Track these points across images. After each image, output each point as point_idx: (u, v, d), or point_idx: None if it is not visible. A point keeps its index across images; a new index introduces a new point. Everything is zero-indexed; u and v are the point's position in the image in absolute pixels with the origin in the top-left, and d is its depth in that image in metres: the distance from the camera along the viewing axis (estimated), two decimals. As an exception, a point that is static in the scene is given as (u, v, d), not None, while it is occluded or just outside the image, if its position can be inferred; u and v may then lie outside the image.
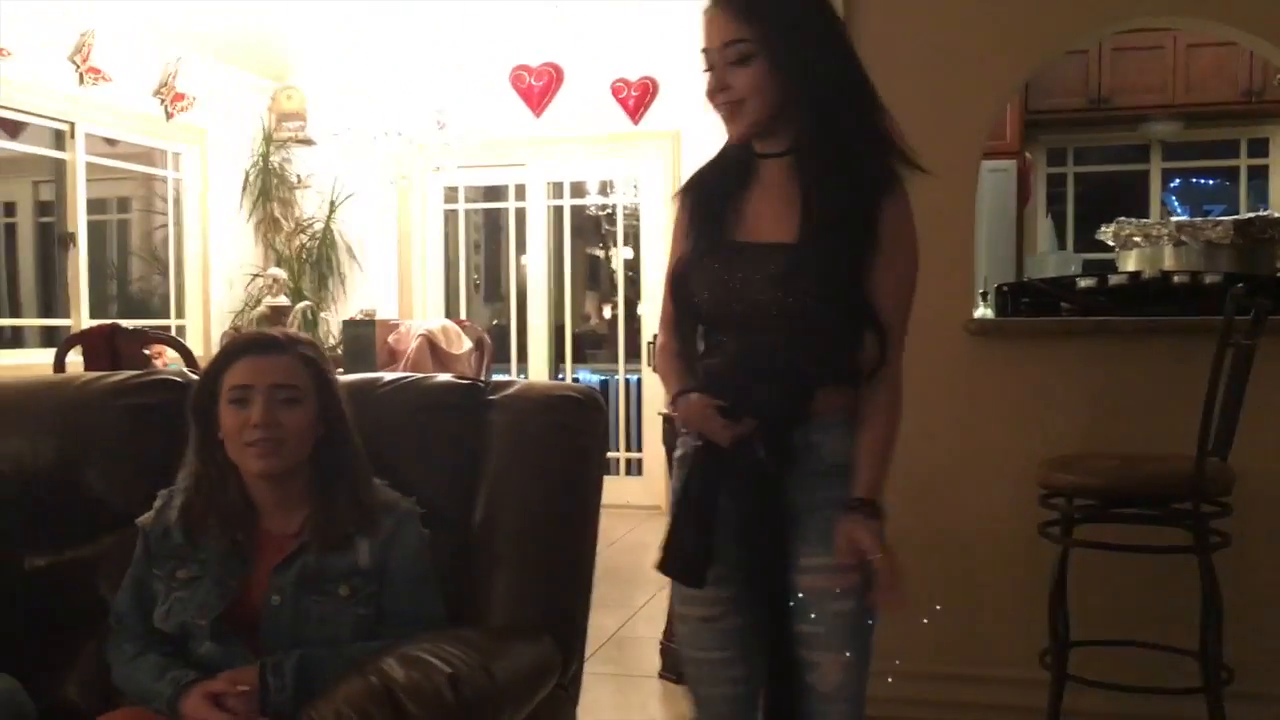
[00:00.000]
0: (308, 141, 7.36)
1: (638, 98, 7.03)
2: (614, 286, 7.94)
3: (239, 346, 1.98)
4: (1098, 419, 3.27)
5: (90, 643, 2.04)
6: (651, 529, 5.50)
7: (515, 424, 2.12)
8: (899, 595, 1.73)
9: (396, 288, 7.51)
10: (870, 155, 1.77)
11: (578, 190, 7.75)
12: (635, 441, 7.51)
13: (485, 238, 9.42)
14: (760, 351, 1.76)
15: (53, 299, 6.76)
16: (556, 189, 7.66)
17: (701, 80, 1.79)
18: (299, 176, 7.46)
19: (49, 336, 6.43)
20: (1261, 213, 4.32)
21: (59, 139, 6.14)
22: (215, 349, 3.63)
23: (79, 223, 6.13)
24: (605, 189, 7.69)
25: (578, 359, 7.96)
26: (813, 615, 1.79)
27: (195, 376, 2.10)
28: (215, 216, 7.11)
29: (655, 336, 2.00)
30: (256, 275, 7.19)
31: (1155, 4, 3.44)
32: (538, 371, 7.60)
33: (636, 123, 7.06)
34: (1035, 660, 3.04)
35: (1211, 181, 7.59)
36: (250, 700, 1.76)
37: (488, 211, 8.65)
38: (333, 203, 7.39)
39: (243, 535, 1.93)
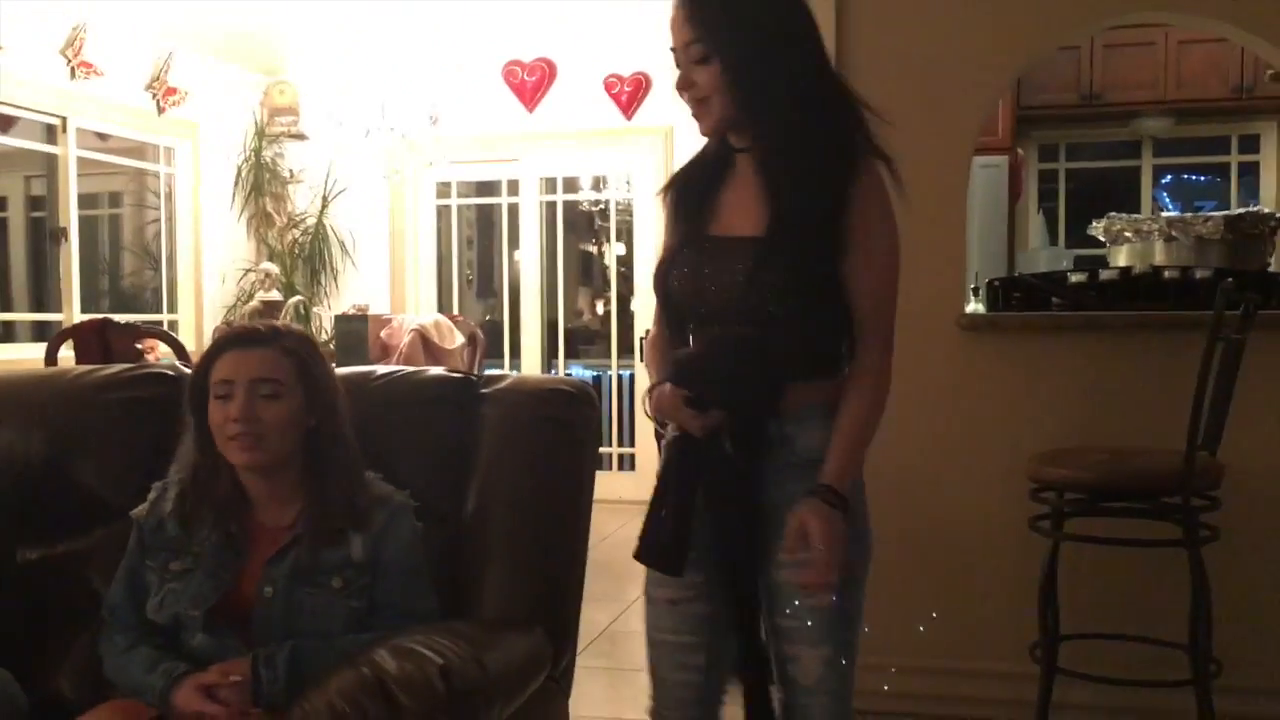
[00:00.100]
0: (300, 136, 7.34)
1: (630, 93, 7.03)
2: (607, 282, 7.94)
3: (223, 341, 1.98)
4: (1088, 413, 3.28)
5: (82, 635, 2.05)
6: (644, 524, 5.49)
7: (507, 417, 2.12)
8: (822, 585, 1.72)
9: (389, 283, 7.50)
10: (832, 149, 1.77)
11: (570, 186, 7.75)
12: (628, 437, 7.52)
13: (478, 233, 9.41)
14: (729, 343, 1.77)
15: (44, 294, 6.74)
16: (549, 184, 7.66)
17: None
18: (291, 171, 7.45)
19: (40, 331, 6.41)
20: (1252, 208, 4.33)
21: (50, 133, 6.13)
22: (207, 344, 3.63)
23: (70, 217, 6.12)
24: (598, 184, 7.69)
25: (571, 354, 7.96)
26: (789, 609, 1.80)
27: (187, 371, 2.10)
28: (207, 211, 7.09)
29: (648, 331, 2.01)
30: (249, 270, 7.18)
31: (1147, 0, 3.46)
32: (530, 367, 7.60)
33: (629, 118, 7.06)
34: (1025, 653, 3.05)
35: (1203, 178, 7.61)
36: (242, 692, 1.77)
37: (480, 207, 8.65)
38: (325, 198, 7.38)
39: (236, 527, 1.94)
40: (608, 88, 7.06)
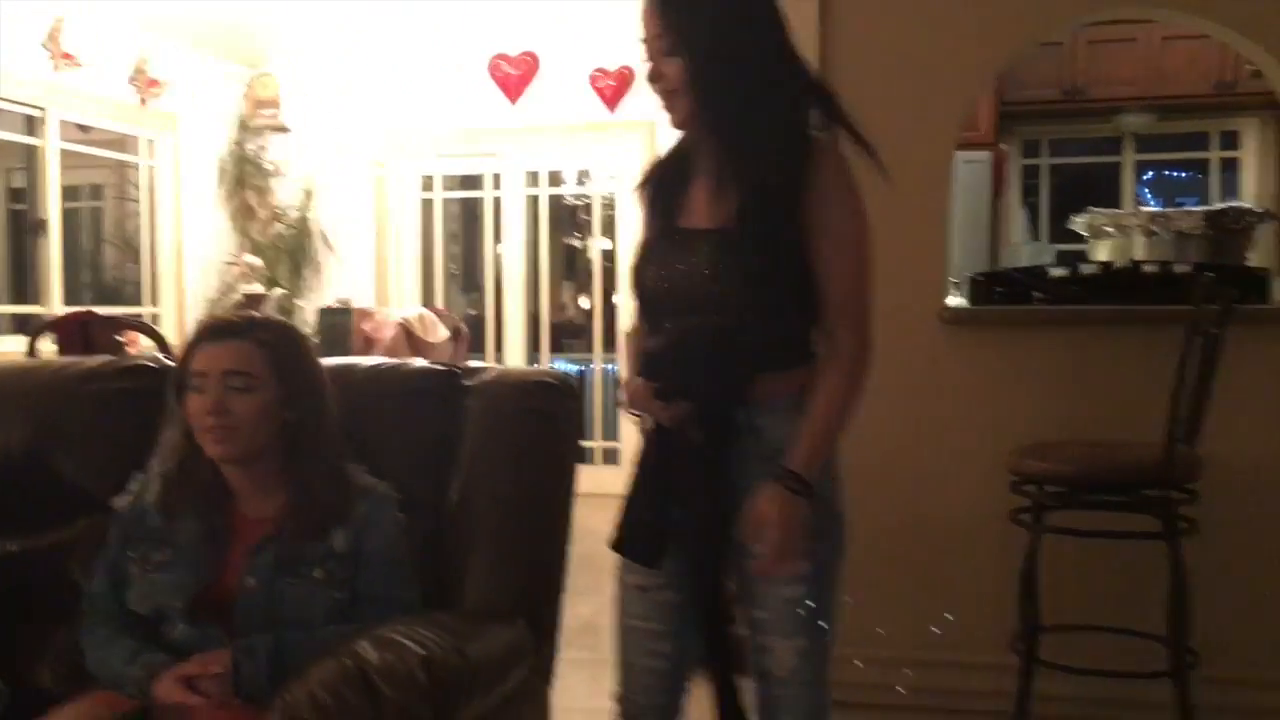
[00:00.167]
0: (282, 129, 7.32)
1: (614, 87, 7.02)
2: (590, 276, 7.93)
3: (200, 333, 1.98)
4: (1069, 407, 3.30)
5: (63, 627, 2.03)
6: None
7: (490, 409, 2.12)
8: (781, 572, 1.74)
9: (373, 276, 7.48)
10: (787, 131, 1.77)
11: (555, 180, 7.74)
12: (612, 431, 7.52)
13: (462, 227, 9.39)
14: (695, 333, 1.77)
15: (25, 286, 6.70)
16: (533, 178, 7.65)
17: None
18: (274, 164, 7.42)
19: (21, 324, 6.38)
20: (1233, 204, 4.36)
21: (31, 125, 6.09)
22: (188, 337, 3.61)
23: (51, 209, 6.09)
24: (582, 178, 7.67)
25: (555, 348, 7.95)
26: (762, 601, 1.81)
27: (169, 363, 2.10)
28: (189, 203, 7.06)
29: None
30: (231, 263, 7.15)
31: (1128, -4, 3.48)
32: (514, 361, 7.58)
33: (613, 112, 7.06)
34: (1006, 645, 3.07)
35: (1184, 175, 7.65)
36: (223, 683, 1.76)
37: (464, 200, 8.62)
38: (308, 191, 7.35)
39: (218, 519, 1.93)
40: (592, 81, 7.05)
